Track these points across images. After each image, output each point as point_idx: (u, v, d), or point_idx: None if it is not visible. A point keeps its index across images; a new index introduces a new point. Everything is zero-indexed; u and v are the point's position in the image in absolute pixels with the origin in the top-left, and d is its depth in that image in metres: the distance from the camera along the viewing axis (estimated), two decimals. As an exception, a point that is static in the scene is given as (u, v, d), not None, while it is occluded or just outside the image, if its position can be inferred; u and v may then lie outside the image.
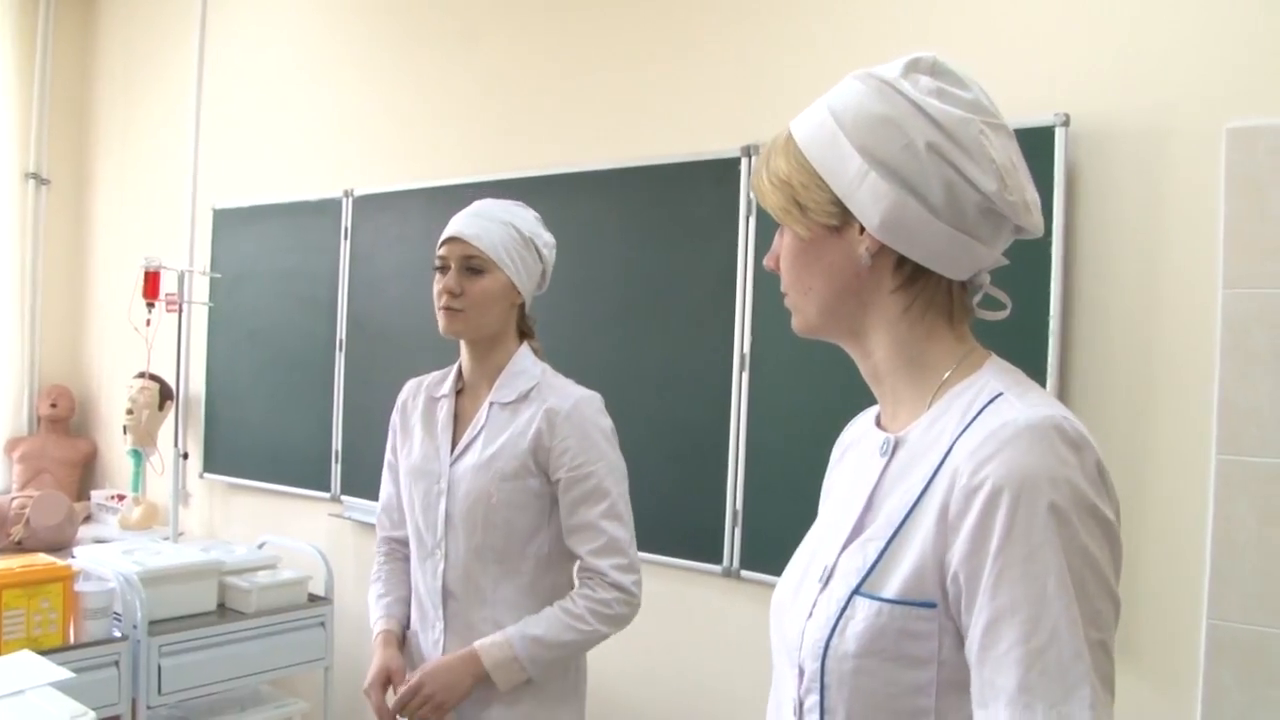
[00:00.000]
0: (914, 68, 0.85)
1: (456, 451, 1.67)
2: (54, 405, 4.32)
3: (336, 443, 3.36)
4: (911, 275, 0.85)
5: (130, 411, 3.78)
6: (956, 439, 0.80)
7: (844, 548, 0.85)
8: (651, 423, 2.55)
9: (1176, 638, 1.89)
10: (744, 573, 2.43)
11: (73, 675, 1.68)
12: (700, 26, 2.62)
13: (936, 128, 0.81)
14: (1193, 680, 1.86)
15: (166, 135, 4.16)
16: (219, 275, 3.74)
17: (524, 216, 1.70)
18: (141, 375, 3.82)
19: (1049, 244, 1.98)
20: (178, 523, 3.57)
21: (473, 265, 1.62)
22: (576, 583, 1.65)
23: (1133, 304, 1.97)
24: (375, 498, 1.90)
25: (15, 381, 4.36)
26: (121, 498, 4.09)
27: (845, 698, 0.80)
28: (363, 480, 3.25)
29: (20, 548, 3.35)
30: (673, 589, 2.55)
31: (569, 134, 2.86)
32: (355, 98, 3.47)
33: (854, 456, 0.97)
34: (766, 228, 2.35)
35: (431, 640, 1.66)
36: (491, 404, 1.67)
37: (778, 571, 0.95)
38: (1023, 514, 0.73)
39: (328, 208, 3.43)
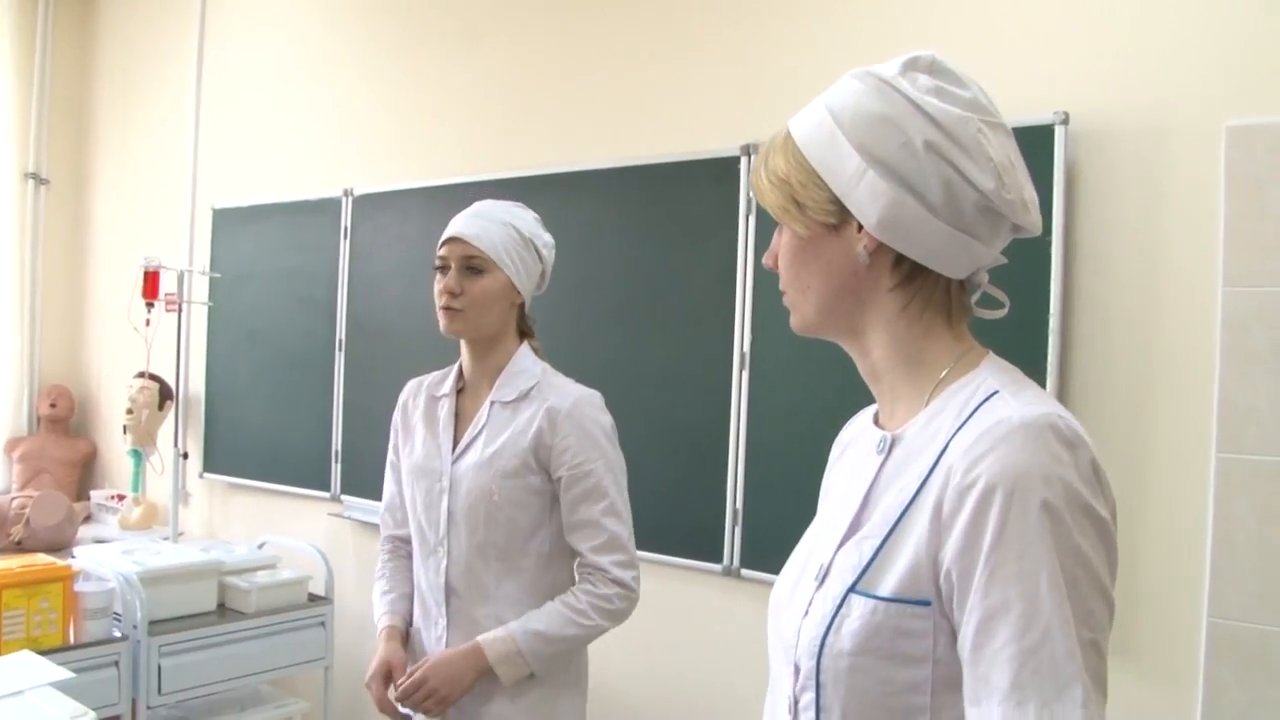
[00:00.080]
0: (912, 66, 0.85)
1: (458, 450, 1.68)
2: (54, 405, 4.32)
3: (336, 442, 3.36)
4: (909, 274, 0.85)
5: (130, 411, 3.78)
6: (952, 437, 0.80)
7: (840, 546, 0.85)
8: (652, 422, 2.55)
9: (1176, 636, 1.88)
10: (744, 572, 2.43)
11: (72, 675, 1.68)
12: (700, 26, 2.62)
13: (935, 126, 0.81)
14: (1193, 679, 1.86)
15: (166, 135, 4.16)
16: (218, 275, 3.74)
17: (524, 217, 1.71)
18: (141, 375, 3.82)
19: (1049, 242, 1.98)
20: (177, 523, 3.57)
21: (473, 265, 1.64)
22: (577, 578, 1.67)
23: (1132, 302, 1.97)
24: (375, 497, 1.91)
25: (15, 381, 4.36)
26: (121, 498, 4.09)
27: (841, 696, 0.81)
28: (363, 480, 3.25)
29: (20, 548, 3.35)
30: (673, 588, 2.55)
31: (569, 133, 2.86)
32: (355, 97, 3.47)
33: (852, 455, 0.97)
34: (766, 227, 2.35)
35: (434, 637, 1.68)
36: (492, 403, 1.68)
37: (778, 570, 0.96)
38: (1016, 512, 0.73)
39: (327, 207, 3.43)
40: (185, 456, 3.73)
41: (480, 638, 1.60)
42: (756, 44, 2.51)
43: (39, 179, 4.42)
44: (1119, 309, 1.98)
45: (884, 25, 2.30)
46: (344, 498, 3.35)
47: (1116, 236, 1.98)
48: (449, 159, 3.15)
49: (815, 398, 2.29)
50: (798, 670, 0.84)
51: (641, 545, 1.73)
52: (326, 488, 3.39)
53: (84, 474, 4.42)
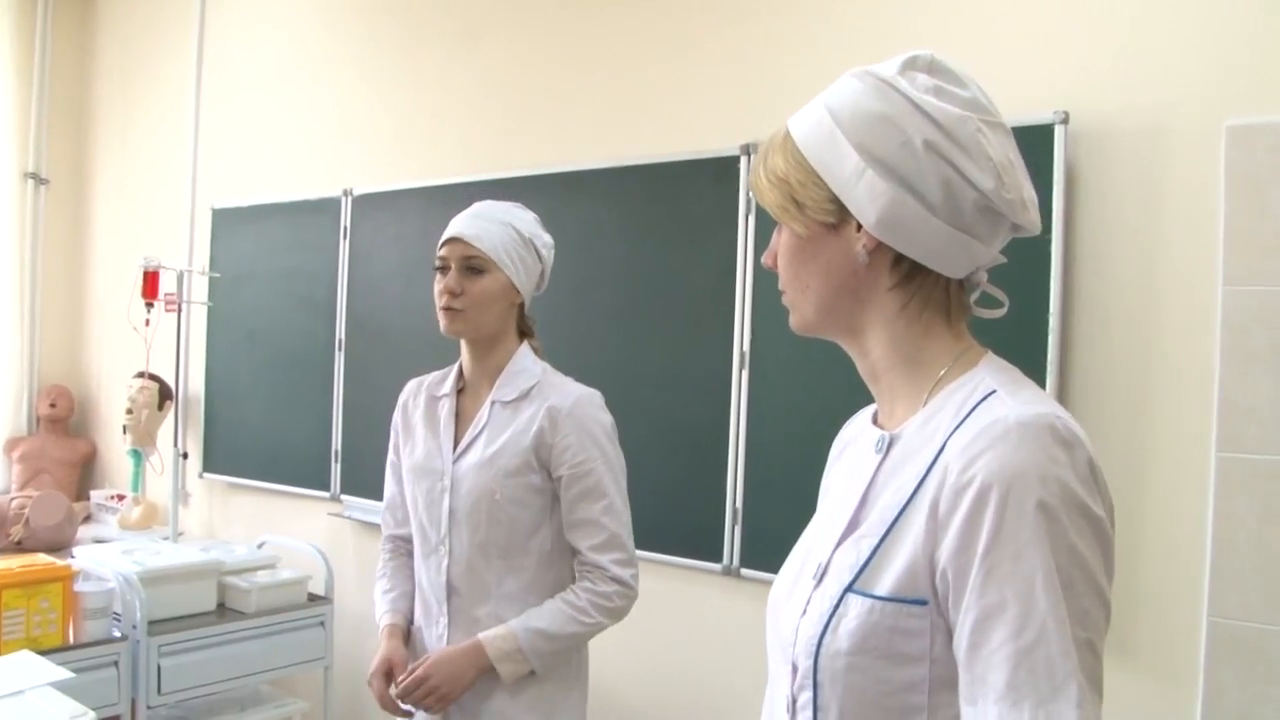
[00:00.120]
0: (911, 65, 0.85)
1: (459, 449, 1.69)
2: (53, 405, 4.32)
3: (336, 442, 3.36)
4: (909, 273, 0.85)
5: (130, 411, 3.78)
6: (949, 436, 0.80)
7: (838, 545, 0.85)
8: (651, 422, 2.55)
9: (1176, 635, 1.89)
10: (744, 571, 2.43)
11: (72, 675, 1.68)
12: (699, 26, 2.62)
13: (934, 125, 0.81)
14: (1193, 677, 1.86)
15: (165, 135, 4.16)
16: (218, 275, 3.73)
17: (523, 218, 1.73)
18: (141, 375, 3.82)
19: (1048, 242, 1.98)
20: (177, 523, 3.57)
21: (473, 265, 1.65)
22: (577, 576, 1.68)
23: (1132, 302, 1.97)
24: (375, 497, 1.91)
25: (15, 381, 4.36)
26: (121, 498, 4.09)
27: (838, 695, 0.81)
28: (362, 480, 3.25)
29: (20, 548, 3.35)
30: (673, 587, 2.55)
31: (568, 133, 2.86)
32: (354, 97, 3.47)
33: (851, 454, 0.97)
34: (766, 226, 2.35)
35: (436, 635, 1.69)
36: (493, 402, 1.70)
37: (778, 570, 0.96)
38: (1011, 511, 0.73)
39: (327, 207, 3.43)
40: (185, 456, 3.73)
41: (481, 635, 1.61)
42: (756, 43, 2.51)
43: (39, 179, 4.42)
44: (1119, 308, 1.98)
45: (884, 25, 2.30)
46: (344, 497, 3.34)
47: (1116, 236, 1.98)
48: (449, 159, 3.15)
49: (815, 397, 2.29)
50: (795, 669, 0.84)
51: (641, 545, 1.74)
52: (326, 487, 3.39)
53: (84, 474, 4.42)
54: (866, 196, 0.83)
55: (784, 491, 2.34)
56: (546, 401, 1.66)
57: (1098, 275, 2.00)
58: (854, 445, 0.98)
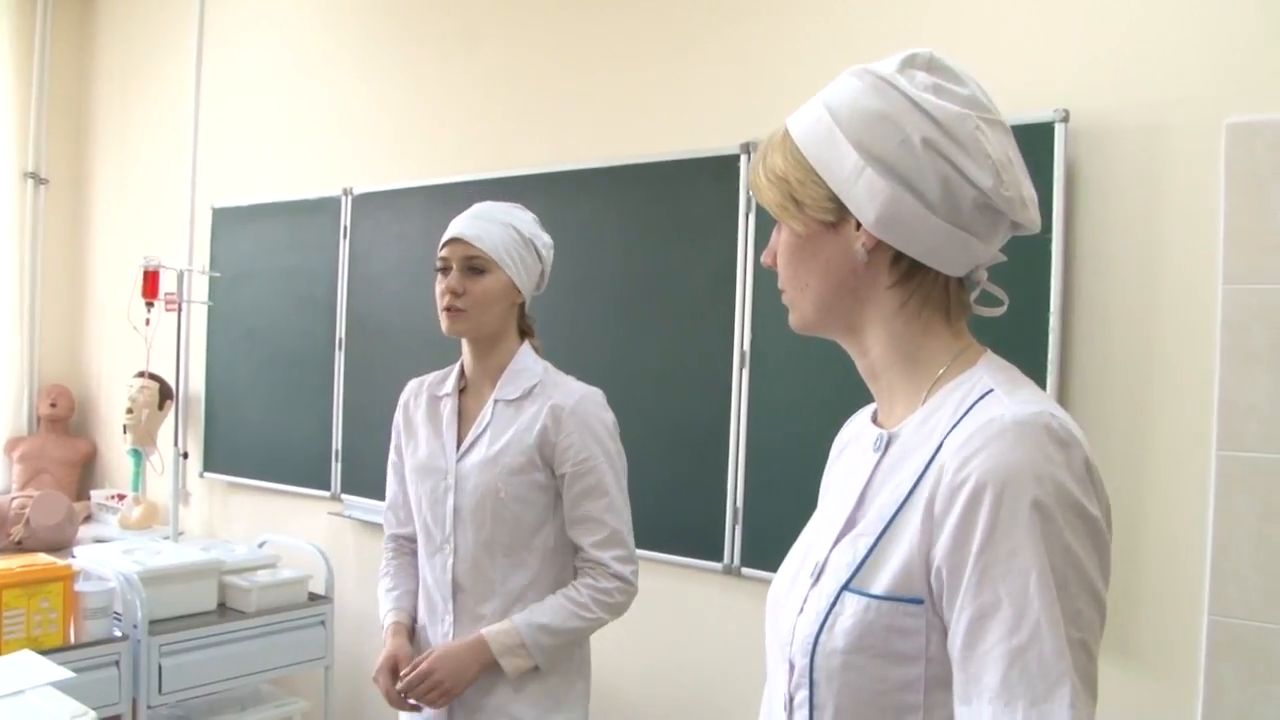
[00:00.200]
0: (910, 63, 0.85)
1: (463, 448, 1.71)
2: (53, 405, 4.32)
3: (336, 441, 3.36)
4: (908, 271, 0.85)
5: (130, 411, 3.78)
6: (947, 435, 0.80)
7: (835, 543, 0.85)
8: (652, 420, 2.54)
9: (1177, 634, 1.88)
10: (744, 570, 2.43)
11: (73, 675, 1.68)
12: (699, 25, 2.62)
13: (933, 123, 0.81)
14: (1193, 676, 1.86)
15: (165, 134, 4.16)
16: (218, 274, 3.73)
17: (523, 218, 1.74)
18: (141, 374, 3.82)
19: (1049, 240, 1.97)
20: (178, 522, 3.57)
21: (474, 265, 1.66)
22: (578, 572, 1.70)
23: (1133, 300, 1.97)
24: (375, 496, 1.91)
25: (15, 381, 4.36)
26: (121, 497, 4.09)
27: (834, 693, 0.81)
28: (363, 479, 3.25)
29: (20, 547, 3.35)
30: (673, 586, 2.55)
31: (568, 132, 2.86)
32: (354, 96, 3.47)
33: (851, 452, 0.97)
34: (766, 224, 2.35)
35: (441, 633, 1.71)
36: (496, 401, 1.71)
37: (778, 569, 0.96)
38: (1006, 510, 0.72)
39: (327, 206, 3.43)
40: (185, 456, 3.73)
41: (484, 630, 1.63)
42: (756, 42, 2.51)
43: (38, 178, 4.42)
44: (1119, 307, 1.98)
45: (883, 23, 2.30)
46: (344, 497, 3.34)
47: (1117, 234, 1.98)
48: (448, 158, 3.15)
49: (815, 396, 2.29)
50: (792, 667, 0.84)
51: (642, 544, 1.75)
52: (326, 487, 3.39)
53: (84, 474, 4.42)
54: (865, 195, 0.82)
55: (784, 490, 2.34)
56: (550, 400, 1.67)
57: (1098, 273, 2.00)
58: (853, 444, 0.97)
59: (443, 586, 1.70)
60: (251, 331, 3.68)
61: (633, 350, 2.63)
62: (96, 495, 4.21)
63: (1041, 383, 1.97)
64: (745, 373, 2.43)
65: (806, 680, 0.82)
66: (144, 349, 3.66)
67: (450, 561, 1.69)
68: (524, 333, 1.77)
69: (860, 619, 0.79)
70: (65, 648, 2.30)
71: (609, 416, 1.72)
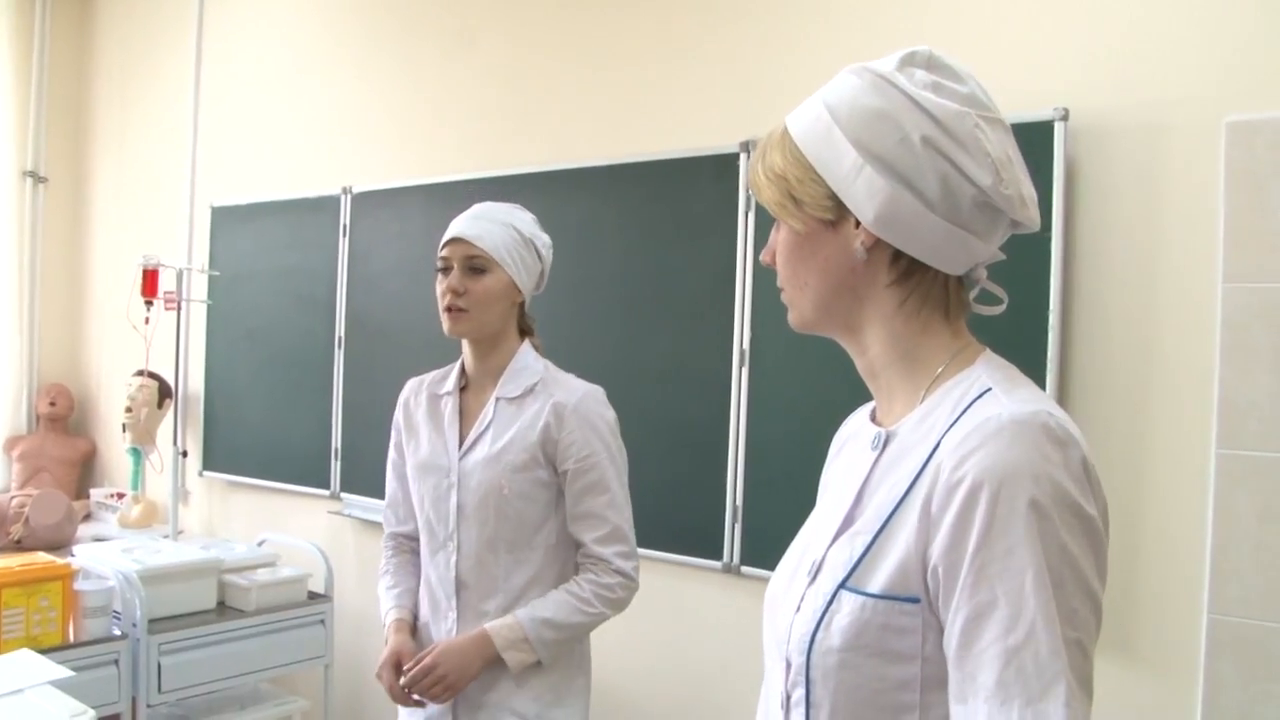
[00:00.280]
0: (909, 61, 0.85)
1: (465, 446, 1.72)
2: (53, 404, 4.31)
3: (336, 440, 3.36)
4: (907, 270, 0.85)
5: (129, 410, 3.78)
6: (944, 434, 0.80)
7: (833, 541, 0.85)
8: (651, 419, 2.54)
9: (1177, 633, 1.88)
10: (744, 569, 2.43)
11: (72, 674, 1.68)
12: (699, 23, 2.62)
13: (932, 121, 0.81)
14: (1193, 675, 1.86)
15: (164, 132, 4.15)
16: (217, 273, 3.73)
17: (523, 218, 1.75)
18: (140, 373, 3.82)
19: (1048, 239, 1.97)
20: (177, 521, 3.57)
21: (475, 265, 1.67)
22: (579, 568, 1.71)
23: (1132, 299, 1.96)
24: (375, 495, 1.91)
25: (14, 380, 4.36)
26: (121, 496, 4.09)
27: (830, 692, 0.81)
28: (362, 477, 3.25)
29: (19, 546, 3.35)
30: (673, 585, 2.55)
31: (568, 130, 2.86)
32: (353, 94, 3.46)
33: (849, 451, 0.97)
34: (766, 223, 2.34)
35: (444, 630, 1.72)
36: (498, 399, 1.72)
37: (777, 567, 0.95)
38: (1002, 510, 0.72)
39: (326, 205, 3.43)
40: (184, 454, 3.73)
41: (487, 625, 1.64)
42: (755, 41, 2.51)
43: (37, 177, 4.42)
44: (1119, 305, 1.98)
45: (883, 22, 2.30)
46: (344, 495, 3.34)
47: (1116, 233, 1.98)
48: (448, 156, 3.14)
49: (815, 394, 2.29)
50: (789, 666, 0.84)
51: (642, 542, 1.76)
52: (326, 485, 3.39)
53: (83, 472, 4.41)
54: (864, 193, 0.82)
55: (784, 489, 2.34)
56: (552, 398, 1.69)
57: (1097, 272, 2.00)
58: (852, 442, 0.97)
59: (446, 584, 1.71)
60: (251, 330, 3.68)
61: (632, 349, 2.63)
62: (96, 494, 4.21)
63: (1041, 382, 1.97)
64: (745, 371, 2.43)
65: (803, 678, 0.82)
66: (143, 348, 3.66)
67: (453, 558, 1.70)
68: (524, 332, 1.78)
69: (857, 618, 0.79)
70: (64, 646, 2.30)
71: (610, 414, 1.74)
